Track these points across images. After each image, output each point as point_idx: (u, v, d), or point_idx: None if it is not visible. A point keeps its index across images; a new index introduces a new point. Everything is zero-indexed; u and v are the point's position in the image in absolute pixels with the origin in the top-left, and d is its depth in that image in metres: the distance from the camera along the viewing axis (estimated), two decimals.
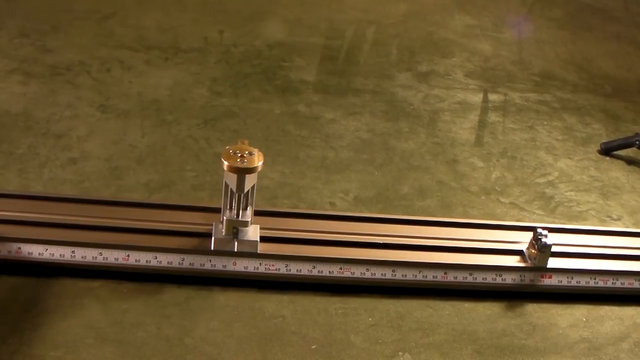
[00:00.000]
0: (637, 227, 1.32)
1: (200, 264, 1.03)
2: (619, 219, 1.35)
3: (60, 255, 1.01)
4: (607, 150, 1.56)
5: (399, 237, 1.11)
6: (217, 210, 1.06)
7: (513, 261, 1.10)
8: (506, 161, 1.48)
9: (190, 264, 1.03)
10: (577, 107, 1.75)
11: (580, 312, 1.09)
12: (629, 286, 1.12)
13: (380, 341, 0.98)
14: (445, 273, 1.08)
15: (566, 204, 1.37)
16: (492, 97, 1.75)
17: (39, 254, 1.01)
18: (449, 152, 1.49)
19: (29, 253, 1.01)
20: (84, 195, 1.17)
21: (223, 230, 1.04)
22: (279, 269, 1.05)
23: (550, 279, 1.10)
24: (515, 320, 1.05)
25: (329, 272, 1.05)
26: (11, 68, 1.57)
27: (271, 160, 1.34)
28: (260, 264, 1.04)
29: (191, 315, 0.98)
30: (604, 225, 1.31)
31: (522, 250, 1.11)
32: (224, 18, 1.96)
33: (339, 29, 2.01)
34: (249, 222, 1.03)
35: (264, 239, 1.05)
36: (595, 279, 1.11)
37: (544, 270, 1.09)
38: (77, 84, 1.54)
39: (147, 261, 1.02)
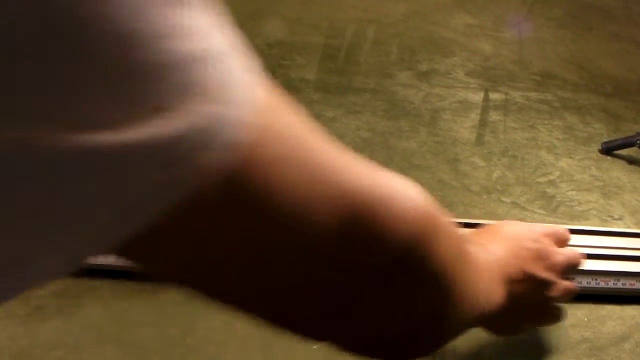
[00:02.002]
0: (639, 227, 1.32)
1: None
2: (620, 219, 1.34)
3: None
4: (608, 150, 1.55)
5: None
6: None
7: None
8: (507, 160, 1.48)
9: None
10: (578, 107, 1.75)
11: (581, 312, 1.09)
12: (631, 287, 1.12)
13: None
14: None
15: (567, 203, 1.37)
16: (493, 96, 1.75)
17: None
18: (450, 151, 1.48)
19: None
20: None
21: None
22: None
23: None
24: None
25: None
26: None
27: None
28: None
29: (193, 315, 0.97)
30: (605, 225, 1.30)
31: None
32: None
33: (339, 27, 2.00)
34: None
35: None
36: (596, 279, 1.11)
37: None
38: None
39: None
